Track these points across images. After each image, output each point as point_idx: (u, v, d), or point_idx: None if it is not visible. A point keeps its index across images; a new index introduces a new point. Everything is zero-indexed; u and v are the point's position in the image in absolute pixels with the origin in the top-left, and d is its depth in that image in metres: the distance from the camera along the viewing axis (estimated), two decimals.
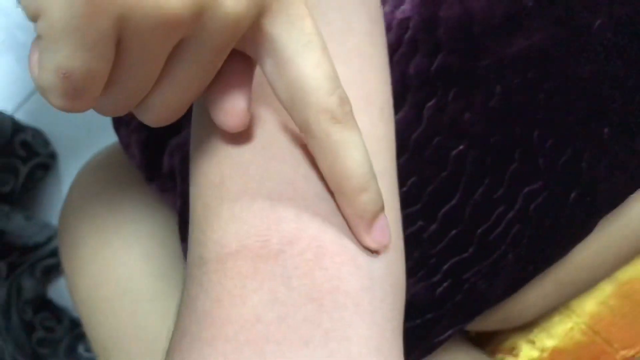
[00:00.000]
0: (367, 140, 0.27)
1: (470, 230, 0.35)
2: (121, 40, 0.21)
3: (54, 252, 0.75)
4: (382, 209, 0.25)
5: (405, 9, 0.34)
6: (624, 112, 0.36)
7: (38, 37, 0.21)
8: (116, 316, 0.46)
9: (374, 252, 0.26)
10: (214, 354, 0.22)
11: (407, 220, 0.34)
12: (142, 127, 0.41)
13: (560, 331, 0.57)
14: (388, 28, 0.34)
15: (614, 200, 0.38)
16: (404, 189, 0.34)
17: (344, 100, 0.24)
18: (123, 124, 0.43)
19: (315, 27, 0.24)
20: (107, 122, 0.52)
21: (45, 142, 0.81)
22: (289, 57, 0.23)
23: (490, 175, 0.35)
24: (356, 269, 0.24)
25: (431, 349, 0.39)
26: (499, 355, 0.61)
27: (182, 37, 0.22)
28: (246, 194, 0.25)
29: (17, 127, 0.77)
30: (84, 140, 0.82)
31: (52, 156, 0.81)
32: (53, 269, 0.78)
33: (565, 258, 0.42)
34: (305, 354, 0.22)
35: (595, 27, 0.34)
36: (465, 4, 0.34)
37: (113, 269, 0.46)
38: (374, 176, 0.25)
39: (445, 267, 0.36)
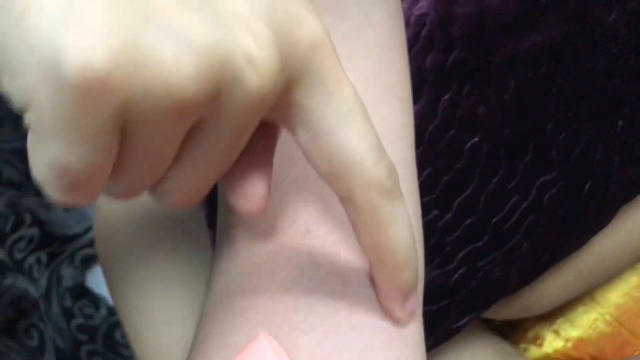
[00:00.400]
0: (387, 130, 0.28)
1: (485, 220, 0.36)
2: (126, 127, 0.18)
3: (92, 242, 0.78)
4: (415, 286, 0.25)
5: (422, 5, 0.36)
6: (638, 105, 0.36)
7: (28, 127, 0.18)
8: (147, 300, 0.48)
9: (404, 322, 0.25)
10: (245, 323, 0.24)
11: (423, 210, 0.35)
12: None
13: (584, 322, 0.58)
14: (406, 24, 0.36)
15: (629, 191, 0.39)
16: (420, 179, 0.36)
17: (392, 170, 0.22)
18: None
19: (354, 93, 0.22)
20: None
21: None
22: (329, 129, 0.21)
23: (504, 166, 0.36)
24: None
25: (449, 335, 0.41)
26: (523, 345, 0.61)
27: (199, 118, 0.19)
28: (273, 180, 0.26)
29: None
30: None
31: None
32: (91, 259, 0.81)
33: (584, 248, 0.43)
34: (331, 324, 0.24)
35: (609, 22, 0.35)
36: (479, 2, 0.35)
37: (144, 255, 0.49)
38: (415, 252, 0.24)
39: (460, 255, 0.37)
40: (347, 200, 0.22)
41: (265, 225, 0.26)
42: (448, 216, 0.36)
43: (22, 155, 0.76)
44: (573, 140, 0.36)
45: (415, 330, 0.26)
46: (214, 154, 0.20)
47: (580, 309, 0.58)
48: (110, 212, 0.52)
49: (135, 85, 0.17)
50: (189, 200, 0.22)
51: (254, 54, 0.18)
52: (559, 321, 0.59)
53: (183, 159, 0.20)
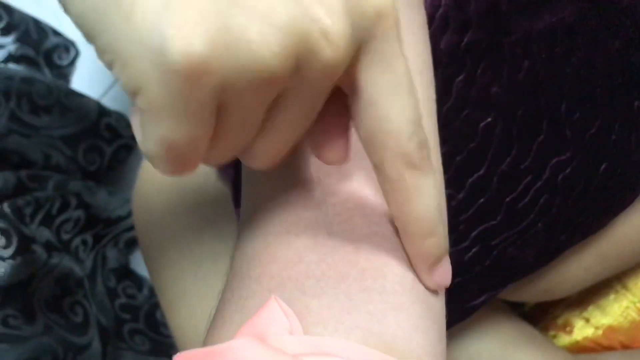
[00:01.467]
0: None
1: (498, 199, 0.37)
2: (221, 104, 0.20)
3: (133, 226, 0.81)
4: (445, 253, 0.26)
5: None
6: None
7: (137, 108, 0.20)
8: (181, 276, 0.51)
9: (432, 291, 0.26)
10: (259, 288, 0.25)
11: None
12: None
13: (615, 309, 0.57)
14: None
15: None
16: None
17: (423, 145, 0.24)
18: None
19: (407, 68, 0.23)
20: None
21: (128, 125, 0.88)
22: (376, 97, 0.23)
23: (518, 146, 0.36)
24: None
25: (465, 313, 0.41)
26: (552, 332, 0.61)
27: (282, 88, 0.21)
28: (291, 158, 0.28)
29: (102, 111, 0.83)
30: None
31: (134, 138, 0.88)
32: (135, 242, 0.84)
33: (607, 230, 0.43)
34: (342, 288, 0.24)
35: (625, 1, 0.35)
36: None
37: (179, 233, 0.51)
38: (441, 222, 0.25)
39: (474, 233, 0.38)
40: (378, 168, 0.24)
41: (284, 196, 0.27)
42: (461, 195, 0.37)
43: (68, 141, 0.79)
44: (588, 120, 0.36)
45: (429, 294, 0.26)
46: (294, 118, 0.23)
47: (612, 296, 0.58)
48: (147, 193, 0.54)
49: (229, 65, 0.19)
50: (274, 160, 0.24)
51: (328, 28, 0.20)
52: (590, 308, 0.59)
53: (268, 126, 0.23)
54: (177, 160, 0.21)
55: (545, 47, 0.35)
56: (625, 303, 0.57)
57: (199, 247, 0.51)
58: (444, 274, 0.26)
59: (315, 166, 0.28)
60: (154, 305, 0.81)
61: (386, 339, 0.24)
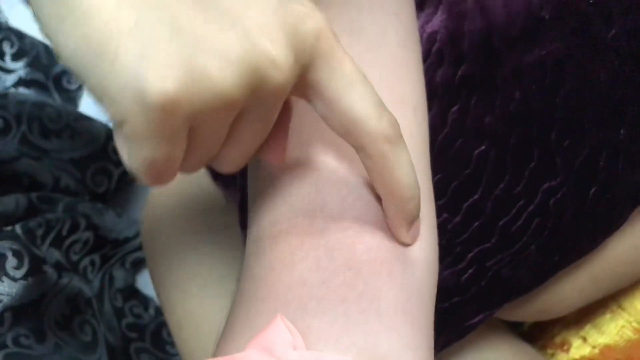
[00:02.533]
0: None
1: (492, 223, 0.39)
2: (191, 127, 0.24)
3: (141, 245, 0.83)
4: (418, 211, 0.30)
5: (434, 23, 0.39)
6: (639, 113, 0.38)
7: (123, 134, 0.24)
8: (188, 297, 0.52)
9: (407, 245, 0.30)
10: (266, 308, 0.28)
11: None
12: None
13: (611, 328, 0.59)
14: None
15: (636, 198, 0.41)
16: None
17: (393, 122, 0.27)
18: None
19: (353, 65, 0.26)
20: None
21: None
22: (336, 97, 0.26)
23: (510, 172, 0.38)
24: (393, 244, 0.29)
25: (462, 332, 0.43)
26: (550, 350, 0.63)
27: (241, 108, 0.25)
28: (294, 182, 0.30)
29: (110, 134, 0.86)
30: None
31: None
32: (141, 262, 0.86)
33: (599, 252, 0.45)
34: (341, 309, 0.27)
35: (610, 36, 0.37)
36: (486, 18, 0.38)
37: (185, 255, 0.53)
38: (418, 187, 0.29)
39: (470, 255, 0.39)
40: (360, 150, 0.28)
41: (288, 223, 0.29)
42: (457, 219, 0.39)
43: (78, 164, 0.81)
44: (577, 147, 0.38)
45: (420, 316, 0.29)
46: (254, 130, 0.27)
47: (608, 315, 0.59)
48: (156, 216, 0.56)
49: (196, 98, 0.23)
50: (239, 165, 0.28)
51: (274, 57, 0.24)
52: (587, 327, 0.60)
53: (232, 138, 0.27)
54: (157, 174, 0.25)
55: (536, 79, 0.37)
56: (621, 322, 0.58)
57: (206, 268, 0.53)
58: (417, 229, 0.30)
59: (318, 194, 0.30)
60: (160, 325, 0.83)
61: (380, 356, 0.26)
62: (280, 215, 0.30)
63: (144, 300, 0.85)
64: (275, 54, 0.24)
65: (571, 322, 0.61)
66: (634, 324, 0.58)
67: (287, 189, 0.30)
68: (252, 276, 0.29)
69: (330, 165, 0.30)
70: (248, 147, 0.27)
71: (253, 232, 0.31)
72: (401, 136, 0.28)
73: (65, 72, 0.96)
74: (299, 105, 0.31)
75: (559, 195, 0.39)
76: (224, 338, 0.29)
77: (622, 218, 0.42)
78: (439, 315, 0.41)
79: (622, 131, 0.38)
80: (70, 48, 0.22)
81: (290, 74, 0.24)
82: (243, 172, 0.45)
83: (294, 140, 0.31)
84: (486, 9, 0.38)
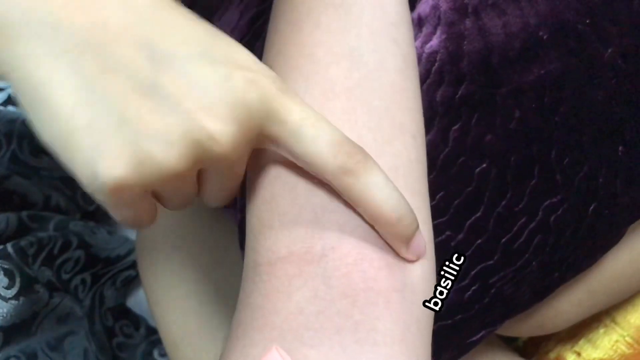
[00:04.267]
0: (400, 164, 0.31)
1: (495, 240, 0.39)
2: (154, 191, 0.28)
3: (133, 264, 0.82)
4: (417, 227, 0.30)
5: (433, 44, 0.39)
6: (638, 131, 0.39)
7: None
8: (185, 315, 0.52)
9: (411, 261, 0.30)
10: (262, 338, 0.28)
11: (436, 230, 0.38)
12: None
13: (605, 343, 0.59)
14: (418, 61, 0.39)
15: (633, 212, 0.41)
16: (433, 202, 0.39)
17: (352, 153, 0.28)
18: None
19: (302, 112, 0.28)
20: None
21: None
22: (291, 146, 0.28)
23: (512, 190, 0.39)
24: (391, 273, 0.29)
25: (465, 349, 0.43)
26: None
27: (200, 169, 0.28)
28: (294, 208, 0.30)
29: None
30: None
31: None
32: (132, 280, 0.85)
33: (596, 268, 0.45)
34: (337, 339, 0.27)
35: (607, 56, 0.38)
36: (485, 39, 0.38)
37: (183, 273, 0.53)
38: (404, 204, 0.29)
39: (473, 272, 0.40)
40: (332, 185, 0.29)
41: (286, 250, 0.29)
42: (460, 236, 0.39)
43: (68, 182, 0.81)
44: (576, 165, 0.39)
45: (416, 344, 0.29)
46: (220, 183, 0.30)
47: (602, 330, 0.60)
48: (151, 233, 0.56)
49: (145, 177, 0.26)
50: (224, 202, 0.31)
51: (212, 132, 0.26)
52: (581, 342, 0.61)
53: (204, 189, 0.30)
54: (136, 226, 0.30)
55: (535, 98, 0.38)
56: (615, 337, 0.59)
57: (203, 288, 0.52)
58: (419, 245, 0.30)
59: (317, 222, 0.30)
60: (151, 344, 0.82)
61: None
62: (278, 241, 0.30)
63: (135, 320, 0.84)
64: (213, 129, 0.26)
65: (565, 337, 0.61)
66: (628, 339, 0.58)
67: (286, 216, 0.30)
68: (249, 304, 0.29)
69: (330, 192, 0.30)
70: (223, 192, 0.30)
71: (250, 257, 0.31)
72: (366, 162, 0.29)
73: None
74: None
75: (559, 212, 0.39)
76: None
77: (619, 234, 0.43)
78: (441, 332, 0.41)
79: (620, 149, 0.39)
80: (45, 139, 0.26)
81: (233, 144, 0.27)
82: (243, 194, 0.45)
83: (293, 165, 0.31)
84: (485, 30, 0.38)
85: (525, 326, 0.48)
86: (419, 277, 0.30)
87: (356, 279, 0.28)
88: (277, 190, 0.31)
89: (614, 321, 0.59)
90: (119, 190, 0.26)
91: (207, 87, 0.26)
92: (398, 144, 0.32)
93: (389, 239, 0.29)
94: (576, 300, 0.47)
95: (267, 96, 0.28)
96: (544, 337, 0.62)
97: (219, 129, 0.26)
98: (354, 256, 0.29)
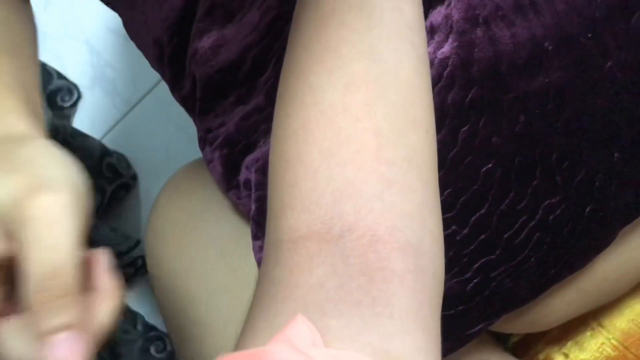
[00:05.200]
0: (415, 155, 0.34)
1: (497, 236, 0.42)
2: None
3: (133, 261, 0.84)
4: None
5: (445, 50, 0.42)
6: (633, 139, 0.42)
7: None
8: (193, 306, 0.54)
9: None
10: (286, 309, 0.30)
11: (443, 225, 0.41)
12: (223, 145, 0.50)
13: (592, 345, 0.62)
14: (430, 65, 0.42)
15: (627, 215, 0.44)
16: (441, 198, 0.41)
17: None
18: (207, 143, 0.52)
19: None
20: (181, 150, 0.59)
21: (128, 165, 0.91)
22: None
23: (515, 189, 0.41)
24: (403, 255, 0.31)
25: (463, 341, 0.46)
26: None
27: None
28: (315, 192, 0.32)
29: (104, 151, 0.87)
30: (161, 165, 0.92)
31: (134, 178, 0.91)
32: (130, 278, 0.87)
33: (588, 268, 0.48)
34: (356, 312, 0.29)
35: (606, 67, 0.41)
36: (495, 47, 0.41)
37: (193, 265, 0.54)
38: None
39: (475, 265, 0.42)
40: None
41: (307, 229, 0.32)
42: (465, 231, 0.42)
43: None
44: (575, 168, 0.41)
45: (430, 322, 0.31)
46: None
47: (588, 333, 0.62)
48: (161, 223, 0.57)
49: None
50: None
51: None
52: (569, 344, 0.63)
53: None
54: None
55: (539, 104, 0.41)
56: (601, 339, 0.61)
57: (212, 279, 0.54)
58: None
59: (336, 205, 0.32)
60: (148, 341, 0.83)
61: (393, 357, 0.28)
62: (299, 221, 0.32)
63: (132, 317, 0.85)
64: None
65: (554, 339, 0.64)
66: (613, 342, 0.61)
67: (307, 198, 0.32)
68: (272, 279, 0.32)
69: (348, 177, 0.32)
70: None
71: (272, 236, 0.33)
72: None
73: (59, 90, 0.97)
74: None
75: (558, 212, 0.42)
76: (244, 336, 0.31)
77: (612, 236, 0.45)
78: (443, 322, 0.43)
79: (616, 155, 0.42)
80: None
81: None
82: (258, 185, 0.47)
83: (314, 152, 0.33)
84: (494, 39, 0.41)
85: (519, 322, 0.50)
86: (428, 261, 0.32)
87: (372, 258, 0.30)
88: (300, 174, 0.33)
89: (600, 325, 0.61)
90: None
91: None
92: (412, 137, 0.34)
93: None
94: (568, 299, 0.49)
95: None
96: (533, 339, 0.64)
97: None
98: (369, 238, 0.31)
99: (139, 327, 0.85)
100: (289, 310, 0.29)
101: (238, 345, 0.31)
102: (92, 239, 0.77)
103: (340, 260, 0.30)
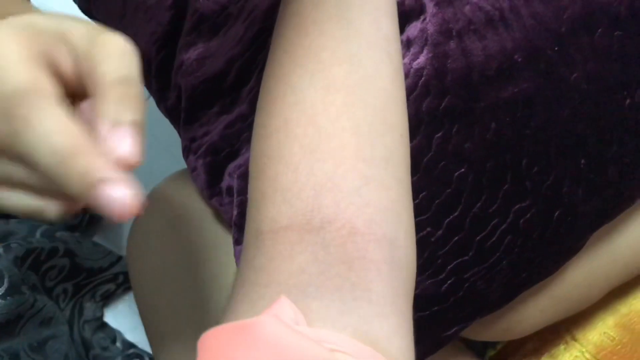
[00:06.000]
0: (391, 155, 0.35)
1: (470, 238, 0.43)
2: None
3: (114, 277, 0.84)
4: (94, 179, 0.28)
5: (420, 61, 0.44)
6: (597, 146, 0.44)
7: None
8: (174, 316, 0.54)
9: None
10: (269, 292, 0.31)
11: (418, 227, 0.42)
12: (207, 153, 0.51)
13: (566, 358, 0.63)
14: (406, 75, 0.44)
15: (594, 222, 0.46)
16: (416, 201, 0.43)
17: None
18: (191, 152, 0.53)
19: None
20: (165, 169, 0.61)
21: None
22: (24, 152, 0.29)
23: (487, 193, 0.43)
24: (380, 247, 0.33)
25: (439, 343, 0.47)
26: None
27: None
28: (295, 185, 0.34)
29: None
30: (145, 183, 0.93)
31: None
32: (111, 295, 0.87)
33: (559, 276, 0.50)
34: (337, 295, 0.30)
35: (572, 79, 0.43)
36: (467, 59, 0.43)
37: (174, 273, 0.55)
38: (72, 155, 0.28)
39: (449, 267, 0.44)
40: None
41: (288, 220, 0.33)
42: (439, 233, 0.43)
43: None
44: (544, 174, 0.43)
45: (404, 309, 0.33)
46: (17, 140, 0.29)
47: (562, 346, 0.64)
48: (142, 232, 0.58)
49: None
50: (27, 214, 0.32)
51: None
52: (543, 358, 0.65)
53: None
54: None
55: (509, 112, 0.43)
56: (575, 352, 0.63)
57: (193, 287, 0.55)
58: (114, 195, 0.27)
59: (316, 198, 0.33)
60: (128, 357, 0.83)
61: (371, 339, 0.30)
62: (281, 212, 0.33)
63: (111, 333, 0.85)
64: None
65: (529, 352, 0.65)
66: (587, 355, 0.62)
67: (288, 191, 0.34)
68: (253, 266, 0.33)
69: (328, 173, 0.34)
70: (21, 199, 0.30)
71: (252, 226, 0.35)
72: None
73: None
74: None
75: (528, 216, 0.44)
76: (227, 318, 0.32)
77: (581, 242, 0.47)
78: (419, 323, 0.45)
79: (582, 161, 0.44)
80: None
81: None
82: (240, 191, 0.49)
83: (295, 148, 0.34)
84: (467, 51, 0.43)
85: (493, 329, 0.51)
86: (402, 255, 0.34)
87: (351, 248, 0.32)
88: (280, 169, 0.35)
89: (573, 338, 0.63)
90: None
91: None
92: (389, 139, 0.36)
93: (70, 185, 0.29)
94: (540, 306, 0.51)
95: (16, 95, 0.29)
96: (509, 352, 0.65)
97: None
98: (348, 229, 0.32)
99: (119, 344, 0.85)
100: (272, 293, 0.31)
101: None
102: (74, 252, 0.78)
103: (320, 249, 0.32)
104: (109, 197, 0.27)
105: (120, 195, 0.27)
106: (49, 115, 0.27)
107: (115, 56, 0.30)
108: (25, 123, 0.27)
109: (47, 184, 0.29)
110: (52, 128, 0.27)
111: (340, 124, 0.35)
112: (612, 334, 0.62)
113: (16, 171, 0.29)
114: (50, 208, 0.31)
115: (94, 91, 0.29)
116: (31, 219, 0.80)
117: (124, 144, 0.28)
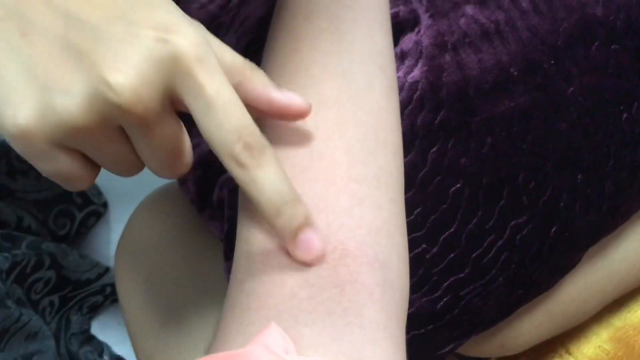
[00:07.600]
0: (382, 173, 0.35)
1: (466, 254, 0.43)
2: (75, 147, 0.29)
3: (101, 289, 0.83)
4: (301, 226, 0.31)
5: (415, 74, 0.43)
6: (594, 161, 0.43)
7: None
8: (163, 329, 0.53)
9: (307, 264, 0.31)
10: (259, 317, 0.30)
11: (413, 243, 0.41)
12: (197, 166, 0.50)
13: None
14: (400, 89, 0.43)
15: (591, 237, 0.46)
16: (411, 217, 0.42)
17: (250, 146, 0.29)
18: None
19: (215, 91, 0.29)
20: (153, 181, 0.59)
21: (99, 193, 0.91)
22: (197, 120, 0.29)
23: (483, 209, 0.42)
24: (372, 269, 0.32)
25: None
26: None
27: (120, 127, 0.29)
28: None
29: None
30: (132, 195, 0.92)
31: (104, 205, 0.91)
32: (98, 307, 0.85)
33: (555, 291, 0.49)
34: (329, 321, 0.29)
35: (569, 92, 0.43)
36: (463, 72, 0.43)
37: (163, 285, 0.54)
38: (286, 202, 0.30)
39: (445, 284, 0.43)
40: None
41: (278, 242, 0.32)
42: (435, 250, 0.42)
43: (41, 206, 0.82)
44: (541, 189, 0.43)
45: (397, 334, 0.32)
46: (148, 146, 0.30)
47: None
48: (132, 244, 0.57)
49: (49, 128, 0.28)
50: (169, 173, 0.32)
51: (113, 84, 0.27)
52: None
53: (140, 151, 0.30)
54: (69, 184, 0.30)
55: (505, 126, 0.42)
56: None
57: (183, 300, 0.54)
58: (307, 245, 0.31)
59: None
60: None
61: None
62: (271, 234, 0.32)
63: (99, 346, 0.84)
64: (113, 81, 0.27)
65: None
66: None
67: None
68: (243, 290, 0.32)
69: (320, 193, 0.33)
70: (158, 160, 0.31)
71: (243, 248, 0.34)
72: (260, 156, 0.30)
73: None
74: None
75: (524, 232, 0.43)
76: (217, 343, 0.31)
77: (577, 257, 0.46)
78: (414, 342, 0.44)
79: (579, 176, 0.43)
80: None
81: (133, 95, 0.27)
82: (231, 205, 0.48)
83: (286, 167, 0.33)
84: (462, 64, 0.43)
85: (489, 345, 0.51)
86: (395, 277, 0.33)
87: (342, 272, 0.31)
88: None
89: (568, 352, 0.62)
90: (24, 138, 0.27)
91: (114, 44, 0.28)
92: (381, 157, 0.35)
93: (276, 233, 0.31)
94: (536, 322, 0.50)
95: (180, 57, 0.28)
96: None
97: (119, 81, 0.27)
98: (339, 252, 0.32)
99: (106, 357, 0.83)
100: (262, 318, 0.30)
101: (210, 352, 0.31)
102: (60, 264, 0.76)
103: (312, 273, 0.31)
104: (306, 244, 0.31)
105: (316, 243, 0.31)
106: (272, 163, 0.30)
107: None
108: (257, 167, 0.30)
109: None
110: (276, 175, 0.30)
111: (332, 142, 0.34)
112: (606, 347, 0.61)
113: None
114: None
115: None
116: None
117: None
